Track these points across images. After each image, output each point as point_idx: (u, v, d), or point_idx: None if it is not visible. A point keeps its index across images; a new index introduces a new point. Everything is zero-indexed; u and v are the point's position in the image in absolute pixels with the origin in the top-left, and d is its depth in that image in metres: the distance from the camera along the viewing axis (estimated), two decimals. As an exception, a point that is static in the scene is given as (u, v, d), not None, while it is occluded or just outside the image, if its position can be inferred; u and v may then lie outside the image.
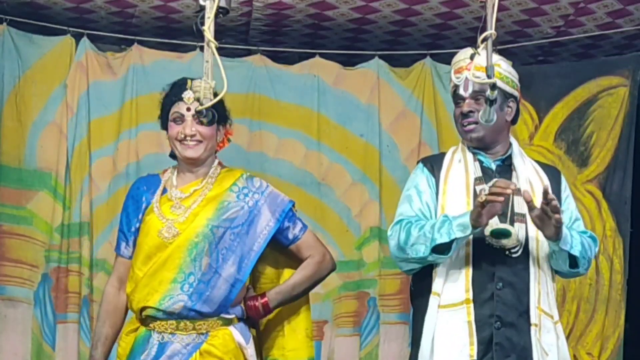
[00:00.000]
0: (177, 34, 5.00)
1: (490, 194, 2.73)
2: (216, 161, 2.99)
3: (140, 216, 2.91)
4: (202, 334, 2.82)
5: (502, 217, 2.91)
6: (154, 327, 2.82)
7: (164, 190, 2.93)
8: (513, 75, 3.05)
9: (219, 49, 2.60)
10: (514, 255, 2.87)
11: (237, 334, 2.87)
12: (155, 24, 4.92)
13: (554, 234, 2.81)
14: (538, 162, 3.14)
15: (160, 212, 2.87)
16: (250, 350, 2.91)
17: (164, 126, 2.96)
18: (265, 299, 2.94)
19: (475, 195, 2.92)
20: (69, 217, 4.80)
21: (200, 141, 2.86)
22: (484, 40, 2.69)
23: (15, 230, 4.75)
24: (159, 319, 2.81)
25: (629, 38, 4.99)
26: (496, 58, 2.99)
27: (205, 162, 2.94)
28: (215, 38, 2.55)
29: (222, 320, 2.85)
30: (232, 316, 2.88)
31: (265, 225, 2.94)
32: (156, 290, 2.80)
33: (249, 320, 2.95)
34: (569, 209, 3.07)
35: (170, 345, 2.80)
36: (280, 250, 3.02)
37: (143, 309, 2.82)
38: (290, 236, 3.00)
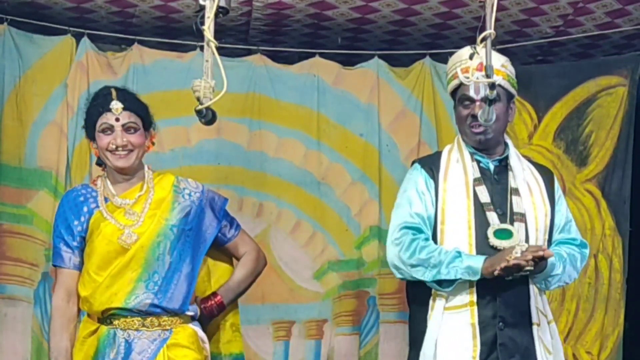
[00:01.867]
0: (177, 33, 5.00)
1: (521, 257, 2.74)
2: (145, 165, 3.07)
3: (84, 226, 2.95)
4: (167, 329, 2.90)
5: (502, 217, 2.92)
6: (117, 325, 2.89)
7: (105, 199, 2.98)
8: (515, 76, 3.07)
9: (218, 49, 2.61)
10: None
11: (198, 330, 2.98)
12: (156, 23, 4.93)
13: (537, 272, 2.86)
14: (532, 162, 3.15)
15: (114, 219, 2.92)
16: (207, 347, 3.01)
17: (91, 136, 3.00)
18: (219, 297, 3.07)
19: (476, 196, 2.93)
20: (69, 216, 4.80)
21: (131, 150, 2.93)
22: (483, 40, 2.70)
23: (16, 229, 4.75)
24: (123, 316, 2.89)
25: (628, 38, 5.00)
26: (503, 59, 3.01)
27: (137, 169, 3.01)
28: (215, 38, 2.55)
29: (182, 318, 2.94)
30: (192, 313, 2.98)
31: (209, 224, 3.04)
32: (121, 290, 2.87)
33: (201, 320, 3.04)
34: (561, 210, 3.08)
35: (137, 341, 2.87)
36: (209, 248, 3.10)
37: (107, 310, 2.89)
38: (228, 234, 3.12)
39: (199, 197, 3.05)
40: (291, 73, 5.16)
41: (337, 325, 5.12)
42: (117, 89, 3.01)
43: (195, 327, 2.99)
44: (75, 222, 2.96)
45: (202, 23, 2.55)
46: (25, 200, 4.76)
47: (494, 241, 2.88)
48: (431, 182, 3.00)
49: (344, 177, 5.19)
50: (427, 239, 2.92)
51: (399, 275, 2.99)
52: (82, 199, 3.00)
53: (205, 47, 2.55)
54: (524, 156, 3.16)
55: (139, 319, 2.89)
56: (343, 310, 5.13)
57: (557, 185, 3.12)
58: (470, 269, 2.80)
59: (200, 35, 2.60)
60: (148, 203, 2.97)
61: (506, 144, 3.07)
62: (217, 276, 3.16)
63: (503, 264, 2.74)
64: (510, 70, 3.05)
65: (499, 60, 2.99)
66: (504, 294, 2.89)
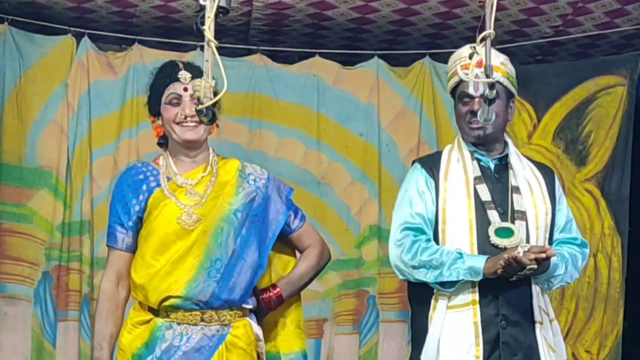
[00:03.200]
0: (178, 33, 5.01)
1: (524, 256, 2.73)
2: (210, 148, 2.90)
3: (142, 205, 2.76)
4: (225, 325, 2.72)
5: (503, 216, 2.92)
6: (175, 318, 2.70)
7: (168, 179, 2.79)
8: (514, 74, 3.07)
9: (219, 49, 2.61)
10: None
11: (255, 326, 2.81)
12: (156, 23, 4.94)
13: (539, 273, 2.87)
14: (532, 160, 3.15)
15: (175, 197, 2.74)
16: (263, 345, 2.84)
17: (155, 111, 2.84)
18: (278, 289, 2.88)
19: (476, 195, 2.93)
20: (70, 215, 4.81)
21: (200, 122, 2.73)
22: (483, 39, 2.70)
23: (16, 228, 4.76)
24: (183, 309, 2.69)
25: (627, 38, 5.00)
26: (502, 57, 3.01)
27: (202, 146, 2.84)
28: (216, 38, 2.56)
29: (241, 310, 2.77)
30: (251, 306, 2.81)
31: (277, 212, 2.87)
32: (181, 277, 2.67)
33: (258, 313, 2.87)
34: (562, 209, 3.08)
35: (196, 337, 2.69)
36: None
37: (165, 299, 2.68)
38: (293, 225, 2.93)
39: (265, 183, 2.86)
40: (291, 73, 5.17)
41: (337, 324, 5.12)
42: (183, 62, 2.86)
43: (253, 322, 2.80)
44: (134, 201, 2.76)
45: (203, 23, 2.55)
46: (25, 200, 4.77)
47: (495, 239, 2.88)
48: (431, 182, 3.00)
49: (343, 176, 5.20)
50: (428, 240, 2.92)
51: (401, 277, 2.99)
52: (141, 176, 2.79)
53: (206, 47, 2.55)
54: (524, 155, 3.16)
55: (198, 312, 2.69)
56: (343, 310, 5.14)
57: (557, 184, 3.11)
58: (472, 270, 2.81)
59: (200, 35, 2.60)
60: (211, 185, 2.77)
61: (506, 143, 3.07)
62: (278, 268, 2.95)
63: (502, 261, 2.75)
64: (510, 68, 3.05)
65: (498, 58, 2.99)
66: (506, 292, 2.89)
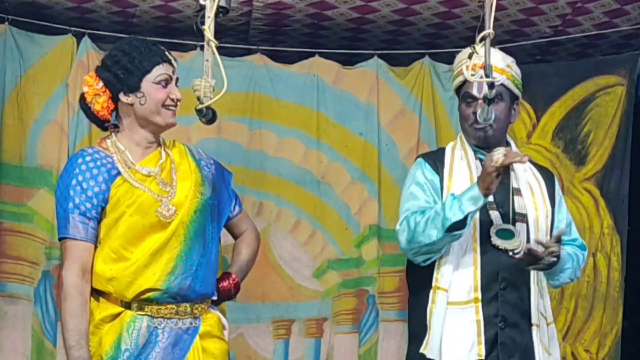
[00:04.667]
0: (178, 33, 5.02)
1: (507, 157, 2.73)
2: None
3: (106, 195, 2.60)
4: (196, 317, 2.65)
5: (504, 217, 2.93)
6: (149, 311, 2.59)
7: (126, 165, 2.64)
8: (520, 77, 3.08)
9: (219, 48, 2.62)
10: (516, 256, 2.88)
11: (222, 317, 2.76)
12: (156, 23, 4.95)
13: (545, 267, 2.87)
14: (533, 162, 3.15)
15: (148, 189, 2.61)
16: (227, 333, 2.78)
17: (133, 87, 2.63)
18: (234, 277, 2.82)
19: None
20: (70, 215, 4.81)
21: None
22: (482, 39, 2.71)
23: (16, 227, 4.77)
24: (158, 302, 2.60)
25: (626, 37, 5.01)
26: (509, 59, 3.02)
27: None
28: (216, 37, 2.57)
29: (207, 303, 2.71)
30: (215, 297, 2.75)
31: (225, 199, 2.80)
32: (160, 270, 2.58)
33: (215, 303, 2.79)
34: (562, 212, 3.08)
35: (171, 331, 2.61)
36: None
37: (142, 292, 2.58)
38: (234, 211, 2.87)
39: (214, 169, 2.79)
40: (291, 72, 5.18)
41: (337, 323, 5.13)
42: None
43: (218, 313, 2.74)
44: (96, 189, 2.58)
45: (203, 23, 2.56)
46: (25, 199, 4.78)
47: (495, 240, 2.89)
48: (435, 176, 2.99)
49: (343, 176, 5.20)
50: (424, 210, 2.91)
51: (420, 259, 2.92)
52: (98, 162, 2.62)
53: (206, 46, 2.57)
54: None
55: (173, 305, 2.60)
56: (343, 309, 5.15)
57: (557, 186, 3.12)
58: (472, 198, 2.77)
59: (200, 35, 2.61)
60: (174, 172, 2.67)
61: (508, 144, 3.07)
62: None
63: (492, 171, 2.75)
64: (516, 71, 3.06)
65: (504, 61, 3.00)
66: (506, 293, 2.89)
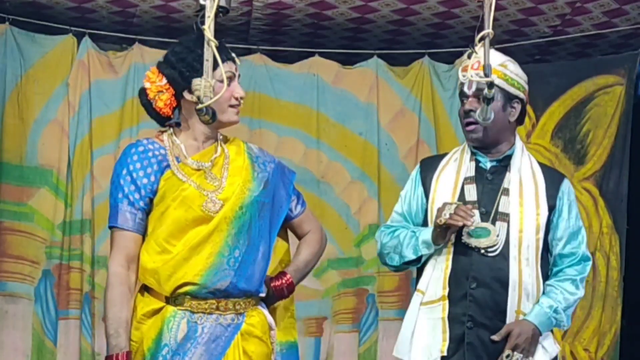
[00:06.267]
0: (178, 33, 5.02)
1: (450, 218, 2.78)
2: None
3: (155, 187, 2.58)
4: (240, 314, 2.61)
5: (485, 216, 2.91)
6: (189, 306, 2.56)
7: (177, 159, 2.62)
8: (520, 76, 3.04)
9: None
10: (490, 255, 2.85)
11: (267, 314, 2.71)
12: (156, 23, 4.96)
13: None
14: (544, 165, 3.10)
15: (195, 183, 2.58)
16: (275, 334, 2.74)
17: (186, 82, 2.59)
18: (289, 277, 2.77)
19: (462, 194, 2.94)
20: (71, 214, 4.83)
21: None
22: (482, 39, 2.70)
23: (17, 226, 4.79)
24: (198, 297, 2.55)
25: (625, 37, 5.02)
26: (504, 59, 3.01)
27: None
28: (216, 37, 2.58)
29: (255, 299, 2.66)
30: (263, 295, 2.70)
31: (282, 198, 2.77)
32: (199, 264, 2.53)
33: (267, 301, 2.75)
34: (566, 218, 3.00)
35: (211, 327, 2.57)
36: None
37: (180, 286, 2.54)
38: (296, 210, 2.83)
39: (273, 167, 2.75)
40: (291, 72, 5.19)
41: (337, 322, 5.15)
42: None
43: (266, 312, 2.68)
44: (145, 180, 2.57)
45: (203, 23, 2.57)
46: (26, 198, 4.80)
47: (466, 239, 2.87)
48: (419, 187, 3.03)
49: (343, 175, 5.21)
50: (396, 229, 3.01)
51: (391, 268, 3.10)
52: (150, 154, 2.60)
53: (206, 46, 2.57)
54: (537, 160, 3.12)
55: (213, 301, 2.55)
56: (342, 308, 5.16)
57: (565, 191, 2.97)
58: (425, 243, 2.88)
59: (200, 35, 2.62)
60: (226, 168, 2.65)
61: (514, 145, 3.03)
62: (275, 254, 2.78)
63: (436, 226, 2.82)
64: (510, 69, 3.02)
65: (496, 60, 2.99)
66: (477, 293, 2.85)
